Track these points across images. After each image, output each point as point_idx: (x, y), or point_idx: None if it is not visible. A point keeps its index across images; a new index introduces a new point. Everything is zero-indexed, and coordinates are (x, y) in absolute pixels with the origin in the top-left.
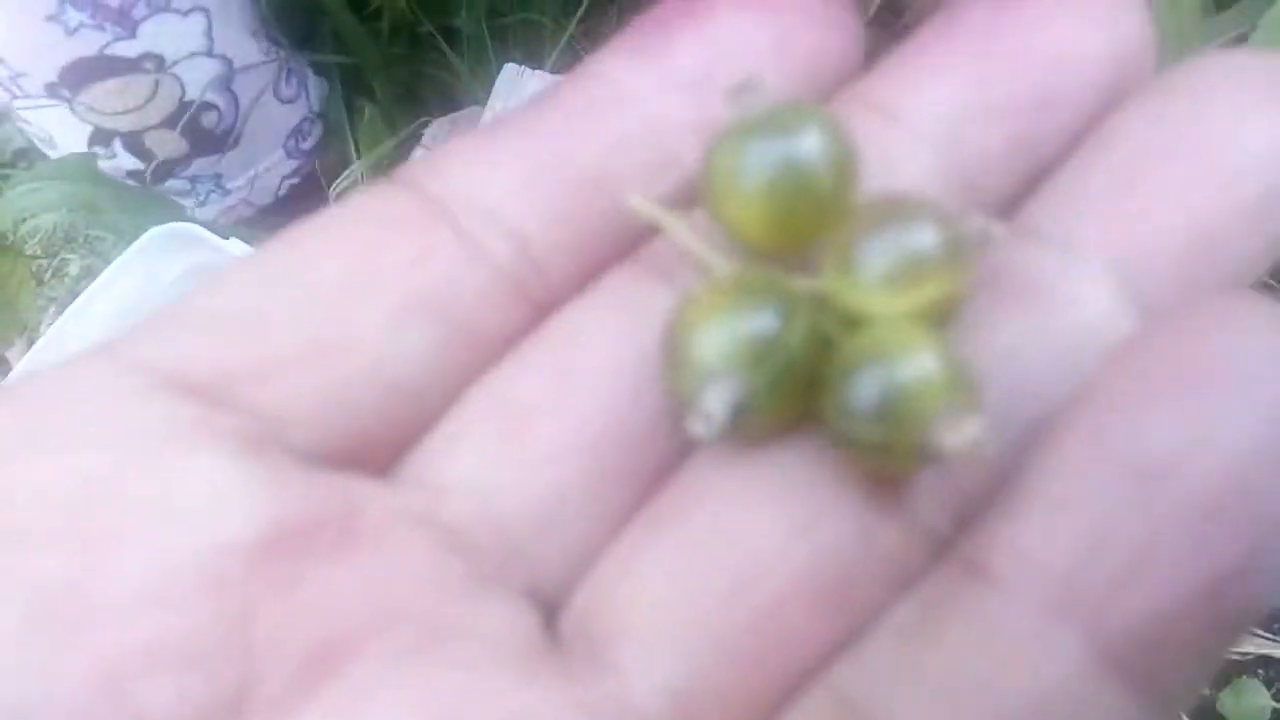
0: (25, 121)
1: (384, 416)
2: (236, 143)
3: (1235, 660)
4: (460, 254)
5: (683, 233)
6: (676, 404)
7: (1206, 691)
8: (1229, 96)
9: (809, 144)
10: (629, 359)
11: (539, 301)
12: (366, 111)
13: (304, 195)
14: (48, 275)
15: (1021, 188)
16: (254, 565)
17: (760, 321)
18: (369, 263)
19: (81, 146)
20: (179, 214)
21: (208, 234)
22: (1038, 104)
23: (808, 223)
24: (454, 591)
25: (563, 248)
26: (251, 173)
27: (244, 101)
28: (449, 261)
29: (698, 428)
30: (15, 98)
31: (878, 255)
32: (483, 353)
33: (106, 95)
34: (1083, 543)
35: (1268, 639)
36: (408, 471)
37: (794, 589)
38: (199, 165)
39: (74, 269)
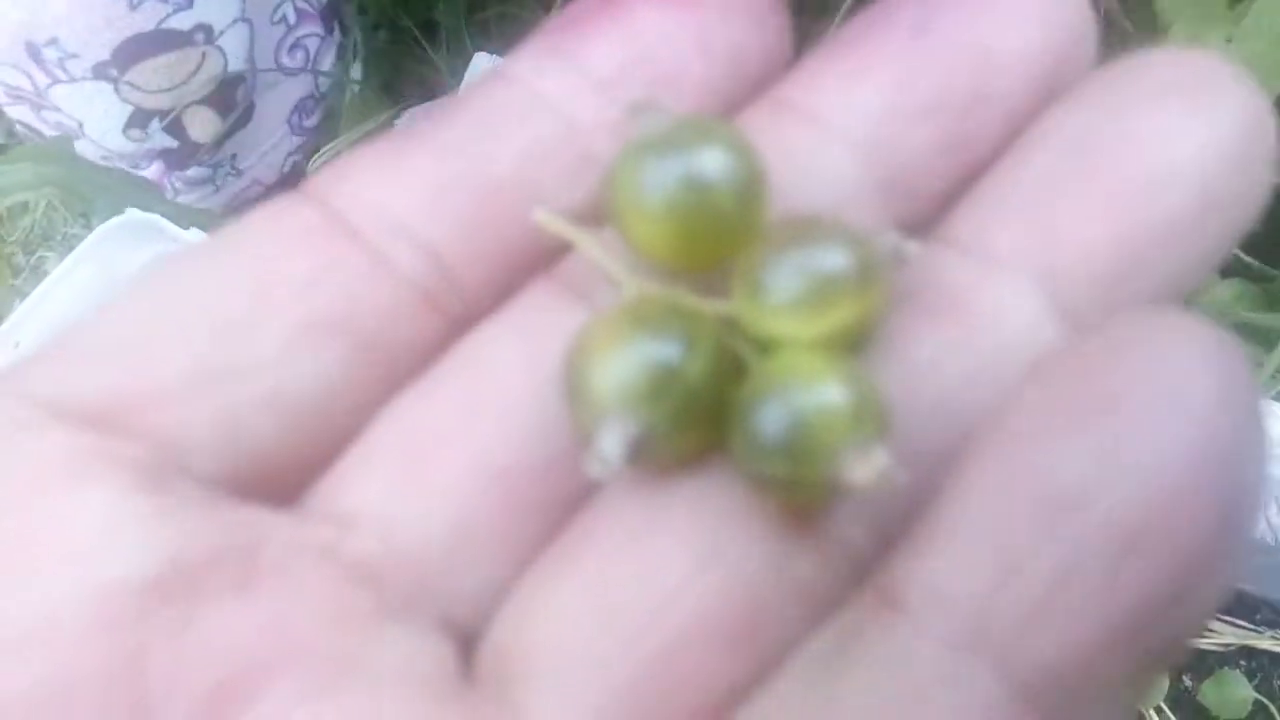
0: (55, 109)
1: (290, 439)
2: (251, 117)
3: (1217, 651)
4: (365, 268)
5: (592, 248)
6: (578, 436)
7: (1188, 683)
8: (1159, 98)
9: (712, 162)
10: (540, 385)
11: (454, 315)
12: (348, 92)
13: (296, 173)
14: (25, 272)
15: (953, 189)
16: (148, 603)
17: (659, 352)
18: (268, 280)
19: (117, 131)
20: (157, 196)
21: (167, 224)
22: (967, 102)
23: (714, 243)
24: (361, 625)
25: (477, 259)
26: (261, 149)
27: (259, 70)
28: (352, 276)
29: (593, 469)
30: (55, 82)
31: (787, 279)
32: (394, 369)
33: (155, 72)
34: (993, 575)
35: (1250, 629)
36: (315, 500)
37: (698, 624)
38: (227, 147)
39: (51, 266)
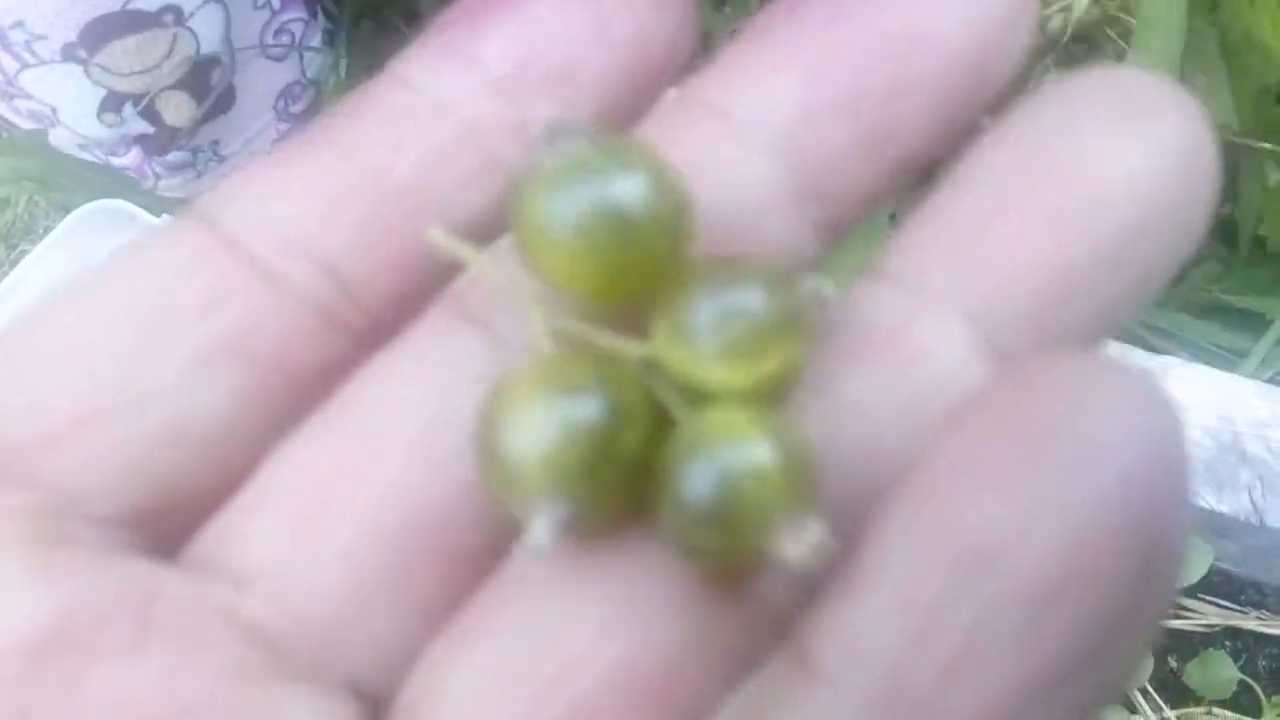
0: (27, 96)
1: (194, 472)
2: (233, 102)
3: (1202, 632)
4: (260, 289)
5: (493, 274)
6: (493, 503)
7: (1173, 664)
8: (1097, 121)
9: (634, 190)
10: (436, 428)
11: (359, 330)
12: (332, 82)
13: None
14: (5, 266)
15: (877, 188)
16: (34, 664)
17: (589, 424)
18: (160, 310)
19: (91, 115)
20: (133, 188)
21: (140, 211)
22: (888, 93)
23: (634, 278)
24: (260, 685)
25: (379, 271)
26: (245, 135)
27: (239, 54)
28: (247, 299)
29: (523, 555)
30: (25, 66)
31: (717, 325)
32: (301, 391)
33: (125, 54)
34: (907, 635)
35: (1234, 610)
36: (212, 546)
37: (605, 688)
38: (203, 132)
39: None
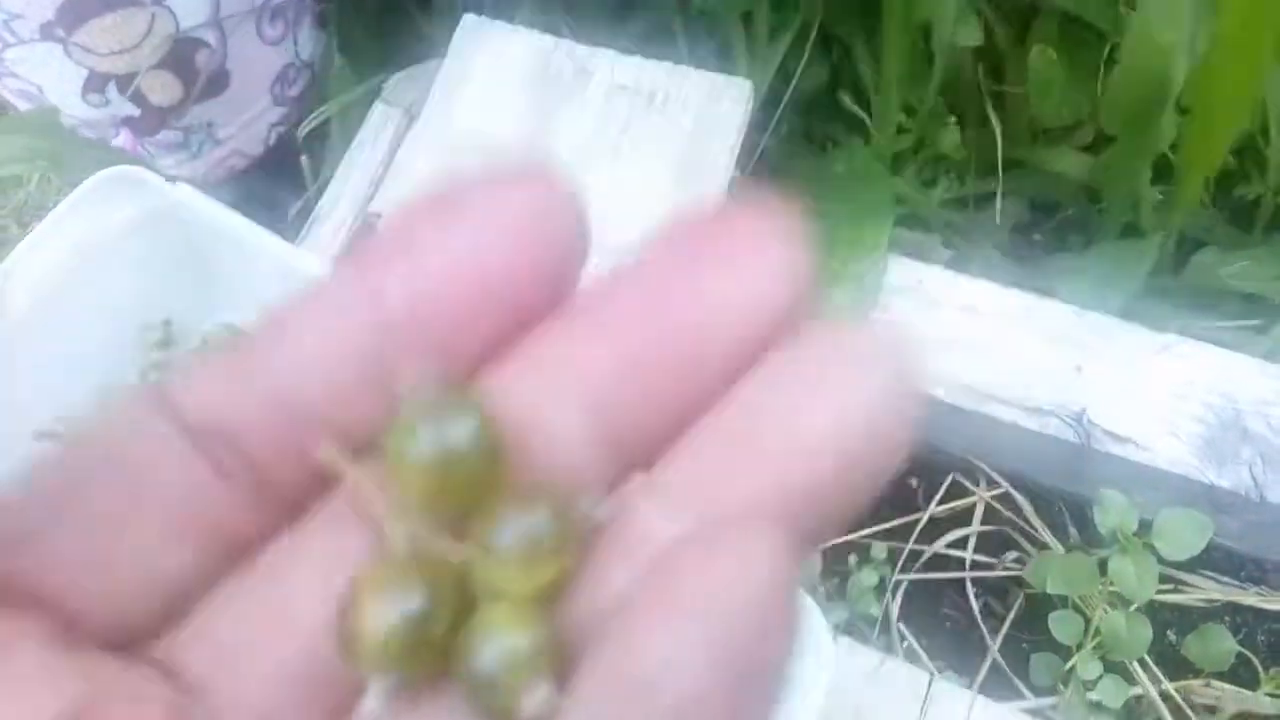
0: (13, 75)
1: (158, 611)
2: (226, 85)
3: (1201, 607)
4: (209, 478)
5: (365, 489)
6: (348, 667)
7: (1172, 637)
8: (811, 375)
9: (462, 431)
10: (326, 605)
11: (286, 503)
12: (336, 61)
13: (282, 146)
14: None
15: (666, 436)
16: None
17: (411, 618)
18: (139, 494)
19: (75, 95)
20: (147, 168)
21: (154, 177)
22: (689, 367)
23: (461, 496)
24: None
25: (293, 467)
26: (242, 119)
27: (230, 38)
28: (200, 487)
29: (366, 712)
30: (8, 45)
31: (507, 542)
32: (240, 551)
33: (103, 32)
34: None
35: (1234, 586)
36: (172, 652)
37: None
38: (195, 113)
39: None
